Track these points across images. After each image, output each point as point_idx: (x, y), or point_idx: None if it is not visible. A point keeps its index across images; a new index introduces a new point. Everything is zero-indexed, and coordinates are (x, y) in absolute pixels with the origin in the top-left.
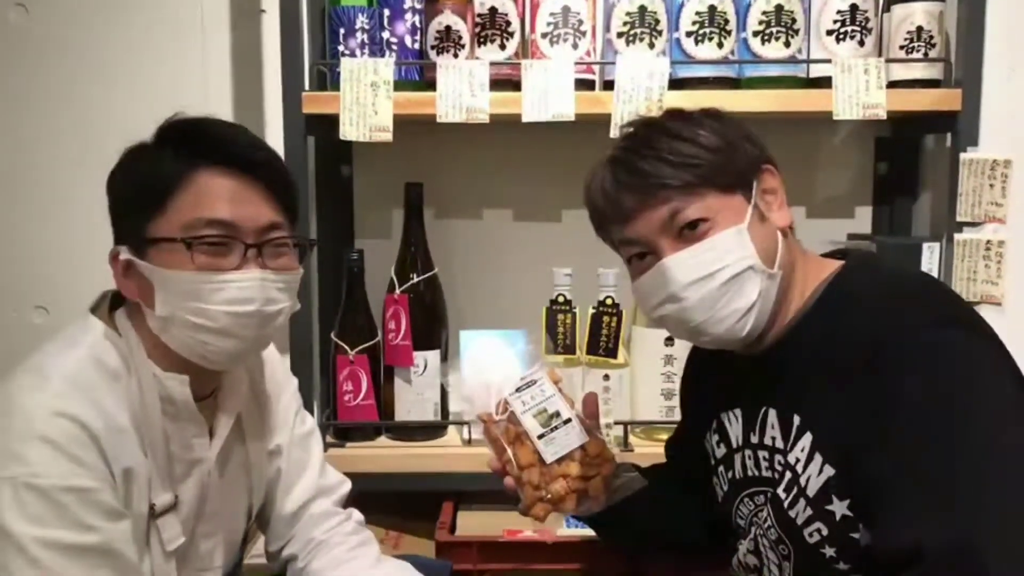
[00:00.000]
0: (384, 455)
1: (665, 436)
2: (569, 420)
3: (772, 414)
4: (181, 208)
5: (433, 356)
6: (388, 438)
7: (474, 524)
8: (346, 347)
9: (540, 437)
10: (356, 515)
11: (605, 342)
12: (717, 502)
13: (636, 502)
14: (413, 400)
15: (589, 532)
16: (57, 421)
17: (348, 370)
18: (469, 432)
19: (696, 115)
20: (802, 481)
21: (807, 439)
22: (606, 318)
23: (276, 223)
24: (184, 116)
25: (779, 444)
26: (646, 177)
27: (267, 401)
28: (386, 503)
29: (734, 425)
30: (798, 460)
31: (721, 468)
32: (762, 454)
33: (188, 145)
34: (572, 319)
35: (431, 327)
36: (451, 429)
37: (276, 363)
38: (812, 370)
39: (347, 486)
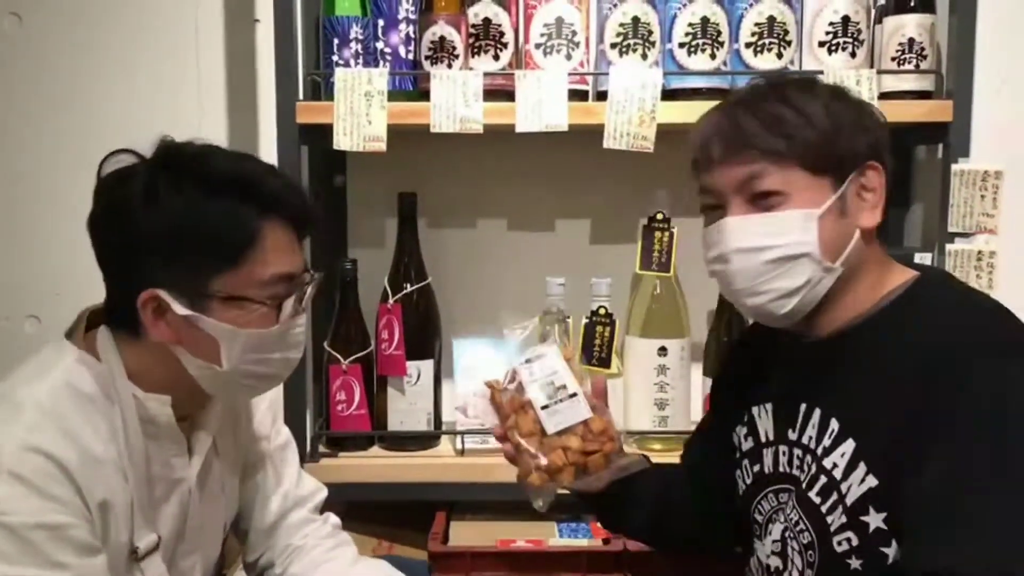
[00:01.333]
0: (377, 465)
1: (659, 446)
2: (575, 395)
3: (816, 413)
4: (252, 264)
5: (426, 366)
6: (381, 448)
7: (467, 534)
8: (339, 357)
9: (544, 408)
10: (332, 519)
11: (598, 351)
12: (738, 496)
13: (638, 483)
14: (406, 410)
15: (583, 542)
16: (28, 456)
17: (341, 380)
18: (462, 442)
19: (821, 90)
20: (843, 488)
21: (849, 446)
22: (599, 328)
23: (305, 264)
24: (198, 146)
25: (812, 444)
26: (739, 132)
27: (243, 416)
28: (379, 513)
29: (763, 419)
30: (836, 466)
31: (746, 461)
32: (796, 452)
33: (257, 198)
34: (565, 329)
35: (424, 337)
36: (444, 439)
37: None
38: (866, 375)
39: (323, 493)
